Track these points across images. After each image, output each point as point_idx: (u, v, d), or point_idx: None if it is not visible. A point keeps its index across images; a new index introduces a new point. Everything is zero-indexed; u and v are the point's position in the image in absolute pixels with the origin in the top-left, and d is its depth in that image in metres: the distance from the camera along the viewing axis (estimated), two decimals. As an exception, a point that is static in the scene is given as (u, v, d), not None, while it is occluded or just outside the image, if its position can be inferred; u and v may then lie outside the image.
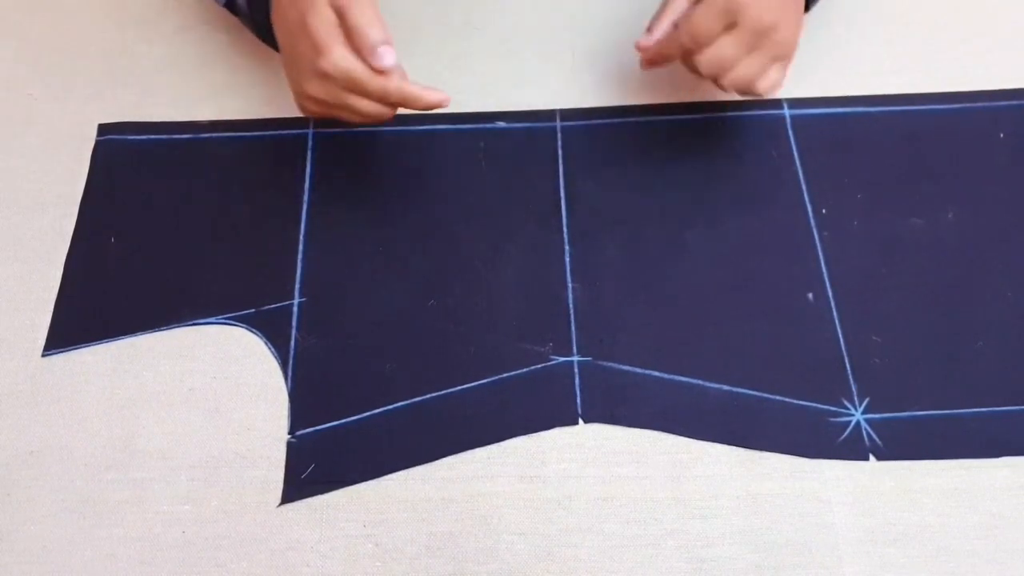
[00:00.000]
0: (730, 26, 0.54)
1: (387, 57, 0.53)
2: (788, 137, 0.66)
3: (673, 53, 0.58)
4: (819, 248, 0.61)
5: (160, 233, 0.63)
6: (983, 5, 0.73)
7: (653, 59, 0.61)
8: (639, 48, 0.60)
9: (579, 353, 0.58)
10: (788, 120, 0.67)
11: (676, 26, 0.58)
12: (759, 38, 0.54)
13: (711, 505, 0.53)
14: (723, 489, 0.53)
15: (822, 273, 0.60)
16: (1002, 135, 0.66)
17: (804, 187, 0.64)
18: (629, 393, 0.56)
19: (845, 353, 0.57)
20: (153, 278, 0.61)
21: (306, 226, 0.63)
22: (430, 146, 0.66)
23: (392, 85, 0.54)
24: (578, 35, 0.72)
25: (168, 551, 0.52)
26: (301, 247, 0.62)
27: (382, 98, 0.55)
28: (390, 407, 0.56)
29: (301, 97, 0.57)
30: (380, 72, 0.54)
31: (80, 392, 0.57)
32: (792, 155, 0.65)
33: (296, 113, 0.68)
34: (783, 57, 0.57)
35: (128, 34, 0.73)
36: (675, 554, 0.51)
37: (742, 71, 0.55)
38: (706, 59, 0.55)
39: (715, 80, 0.57)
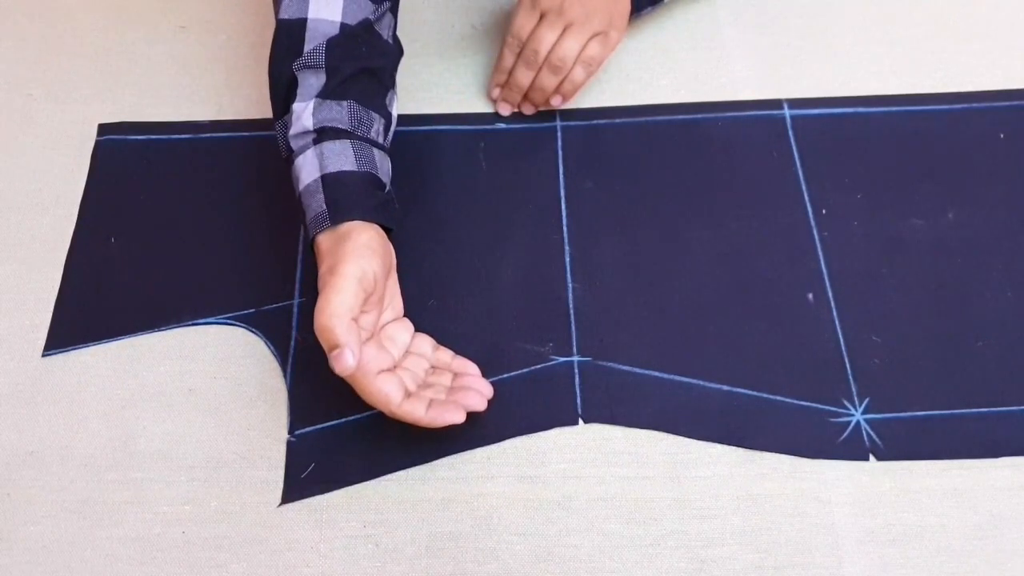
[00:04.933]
0: (541, 17, 0.64)
1: (339, 362, 0.48)
2: (788, 137, 0.66)
3: (519, 78, 0.65)
4: (819, 248, 0.61)
5: (160, 233, 0.63)
6: (983, 5, 0.73)
7: (509, 95, 0.67)
8: (494, 99, 0.68)
9: (579, 353, 0.58)
10: (788, 120, 0.67)
11: (504, 84, 0.67)
12: (564, 18, 0.63)
13: (711, 505, 0.53)
14: (723, 489, 0.53)
15: (822, 273, 0.60)
16: (1002, 135, 0.66)
17: (804, 187, 0.64)
18: (629, 393, 0.56)
19: (845, 353, 0.57)
20: (153, 278, 0.61)
21: (306, 226, 0.63)
22: (430, 146, 0.66)
23: (388, 408, 0.51)
24: (578, 35, 0.72)
25: (168, 551, 0.52)
26: (301, 247, 0.62)
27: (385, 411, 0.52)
28: (390, 407, 0.56)
29: None
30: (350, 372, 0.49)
31: (80, 392, 0.57)
32: (792, 155, 0.65)
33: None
34: (597, 32, 0.64)
35: (128, 34, 0.73)
36: (675, 554, 0.51)
37: (563, 47, 0.63)
38: (531, 47, 0.64)
39: (550, 65, 0.64)
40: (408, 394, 0.52)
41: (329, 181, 0.53)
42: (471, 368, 0.56)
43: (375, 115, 0.57)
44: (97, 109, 0.69)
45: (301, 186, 0.54)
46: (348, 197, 0.53)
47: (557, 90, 0.65)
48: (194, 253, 0.62)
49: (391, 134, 0.60)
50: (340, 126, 0.55)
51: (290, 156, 0.56)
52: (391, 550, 0.52)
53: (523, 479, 0.54)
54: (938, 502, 0.53)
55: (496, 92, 0.68)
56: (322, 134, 0.55)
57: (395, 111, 0.60)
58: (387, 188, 0.57)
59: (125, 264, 0.62)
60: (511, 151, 0.66)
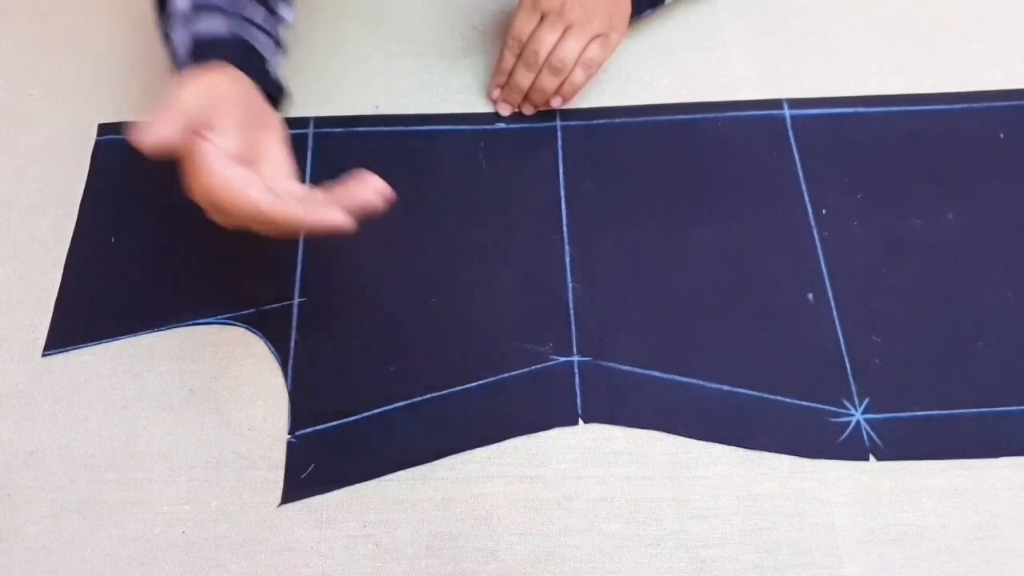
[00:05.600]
0: (542, 19, 0.63)
1: (141, 133, 0.44)
2: (788, 137, 0.66)
3: (520, 79, 0.65)
4: (819, 248, 0.61)
5: (160, 233, 0.63)
6: (983, 5, 0.73)
7: (509, 96, 0.67)
8: (494, 99, 0.68)
9: (579, 353, 0.58)
10: (788, 120, 0.67)
11: (504, 85, 0.67)
12: (564, 20, 0.63)
13: (711, 505, 0.53)
14: (723, 489, 0.53)
15: (822, 273, 0.60)
16: (1002, 135, 0.66)
17: (804, 187, 0.64)
18: (629, 393, 0.56)
19: (845, 353, 0.57)
20: (153, 278, 0.61)
21: (306, 226, 0.63)
22: (430, 146, 0.66)
23: (259, 209, 0.46)
24: (578, 35, 0.72)
25: (168, 551, 0.52)
26: (301, 247, 0.62)
27: (254, 221, 0.48)
28: (390, 407, 0.56)
29: None
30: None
31: (80, 392, 0.57)
32: (792, 155, 0.65)
33: (296, 113, 0.68)
34: (598, 34, 0.64)
35: (128, 34, 0.73)
36: (675, 554, 0.51)
37: (563, 48, 0.63)
38: (531, 48, 0.64)
39: (550, 67, 0.64)
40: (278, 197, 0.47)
41: (200, 42, 0.53)
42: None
43: (256, 4, 0.57)
44: (97, 109, 0.69)
45: (176, 59, 0.54)
46: (216, 47, 0.52)
47: (557, 91, 0.65)
48: (194, 253, 0.62)
49: (282, 30, 0.59)
50: (217, 3, 0.54)
51: (169, 44, 0.55)
52: (391, 550, 0.52)
53: (523, 479, 0.54)
54: (938, 502, 0.53)
55: (496, 93, 0.68)
56: (197, 10, 0.54)
57: (287, 14, 0.60)
58: (273, 72, 0.55)
59: (125, 264, 0.62)
60: (511, 151, 0.66)
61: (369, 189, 0.49)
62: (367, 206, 0.49)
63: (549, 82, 0.64)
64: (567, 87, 0.64)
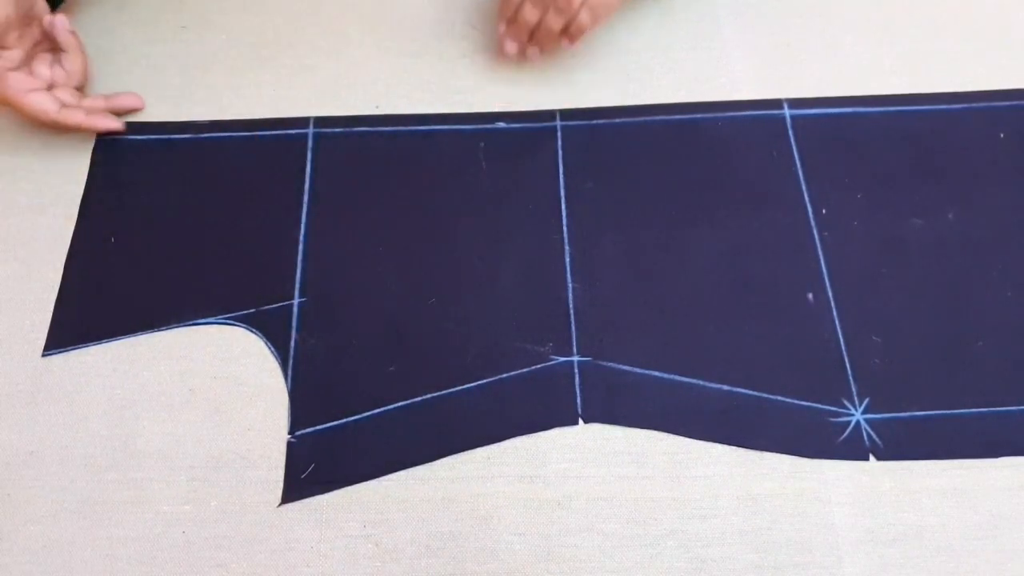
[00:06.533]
0: None
1: None
2: (788, 137, 0.66)
3: (527, 14, 0.66)
4: (819, 248, 0.61)
5: (160, 233, 0.63)
6: (983, 5, 0.73)
7: (515, 32, 0.68)
8: (501, 33, 0.69)
9: (579, 353, 0.58)
10: (788, 120, 0.67)
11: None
12: None
13: (711, 505, 0.53)
14: (723, 489, 0.53)
15: (822, 273, 0.60)
16: (1002, 135, 0.66)
17: (804, 187, 0.64)
18: (629, 393, 0.56)
19: (845, 353, 0.57)
20: (153, 278, 0.61)
21: (306, 226, 0.63)
22: (430, 146, 0.66)
23: (48, 117, 0.64)
24: (578, 35, 0.72)
25: (168, 551, 0.52)
26: (301, 247, 0.62)
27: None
28: (390, 407, 0.56)
29: None
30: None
31: (80, 392, 0.57)
32: (792, 155, 0.65)
33: (296, 113, 0.68)
34: (585, 3, 0.64)
35: (128, 34, 0.73)
36: (675, 554, 0.51)
37: (549, 22, 0.65)
38: (522, 18, 0.66)
39: (556, 6, 0.64)
40: (65, 106, 0.63)
41: None
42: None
43: None
44: (97, 109, 0.69)
45: None
46: None
47: (564, 32, 0.65)
48: (194, 253, 0.62)
49: None
50: None
51: None
52: (391, 550, 0.52)
53: (523, 479, 0.54)
54: (938, 502, 0.53)
55: (503, 27, 0.68)
56: None
57: None
58: None
59: (125, 264, 0.62)
60: (511, 151, 0.66)
61: (134, 98, 0.69)
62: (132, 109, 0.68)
63: (555, 21, 0.64)
64: (573, 28, 0.65)
